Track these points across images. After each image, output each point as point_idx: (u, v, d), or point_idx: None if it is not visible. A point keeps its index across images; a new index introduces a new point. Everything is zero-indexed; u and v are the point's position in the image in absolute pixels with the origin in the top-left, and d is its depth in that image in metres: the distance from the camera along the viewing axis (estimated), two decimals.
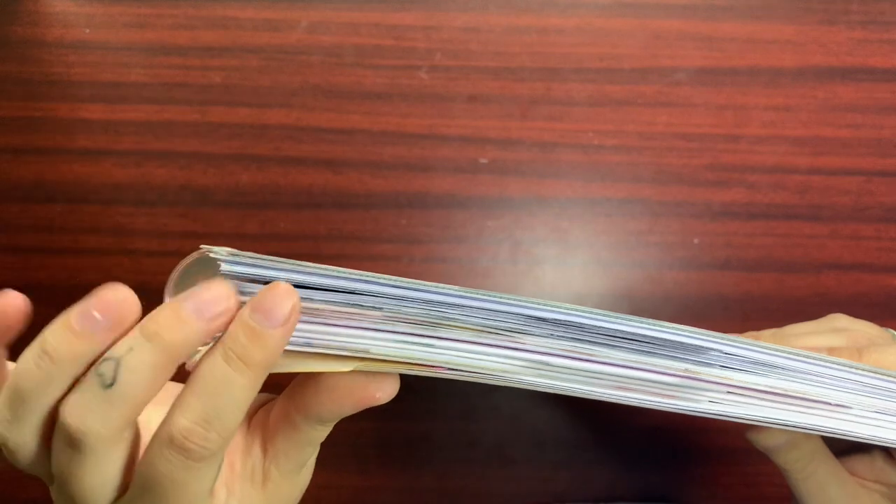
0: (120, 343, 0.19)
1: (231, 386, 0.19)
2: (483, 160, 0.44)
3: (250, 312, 0.19)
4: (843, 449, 0.29)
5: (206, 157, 0.43)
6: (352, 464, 0.44)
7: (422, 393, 0.43)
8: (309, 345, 0.20)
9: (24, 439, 0.20)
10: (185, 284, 0.21)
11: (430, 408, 0.43)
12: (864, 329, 0.30)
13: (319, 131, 0.44)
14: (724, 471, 0.43)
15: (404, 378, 0.23)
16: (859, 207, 0.44)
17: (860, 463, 0.29)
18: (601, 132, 0.44)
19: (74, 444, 0.19)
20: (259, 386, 0.20)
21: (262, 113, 0.44)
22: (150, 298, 0.47)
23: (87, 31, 0.44)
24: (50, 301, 0.42)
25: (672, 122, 0.44)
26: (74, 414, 0.19)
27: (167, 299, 0.22)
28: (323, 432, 0.24)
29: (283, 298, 0.19)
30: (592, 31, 0.44)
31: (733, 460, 0.43)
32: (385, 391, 0.22)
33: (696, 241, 0.43)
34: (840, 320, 0.31)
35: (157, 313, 0.20)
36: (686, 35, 0.44)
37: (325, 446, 0.29)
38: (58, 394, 0.19)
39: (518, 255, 0.43)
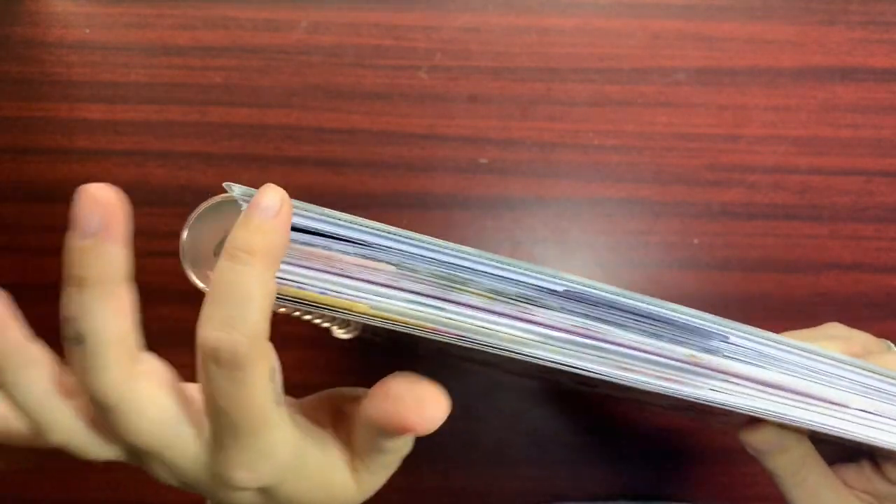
0: None
1: (241, 280, 0.19)
2: (483, 160, 0.44)
3: (244, 213, 0.20)
4: (833, 458, 0.29)
5: (206, 157, 0.43)
6: None
7: None
8: (325, 294, 0.20)
9: None
10: (202, 223, 0.22)
11: None
12: (859, 338, 0.30)
13: (319, 131, 0.44)
14: (724, 470, 0.43)
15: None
16: (859, 207, 0.44)
17: (849, 472, 0.29)
18: (601, 132, 0.44)
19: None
20: (270, 276, 0.19)
21: (262, 113, 0.44)
22: (151, 298, 0.47)
23: (88, 31, 0.44)
24: (50, 301, 0.42)
25: (672, 122, 0.44)
26: None
27: (185, 235, 0.22)
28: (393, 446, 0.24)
29: (271, 193, 0.20)
30: (592, 31, 0.44)
31: (733, 460, 0.43)
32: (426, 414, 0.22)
33: (696, 241, 0.43)
34: (837, 328, 0.31)
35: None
36: (686, 35, 0.44)
37: None
38: None
39: (518, 255, 0.43)
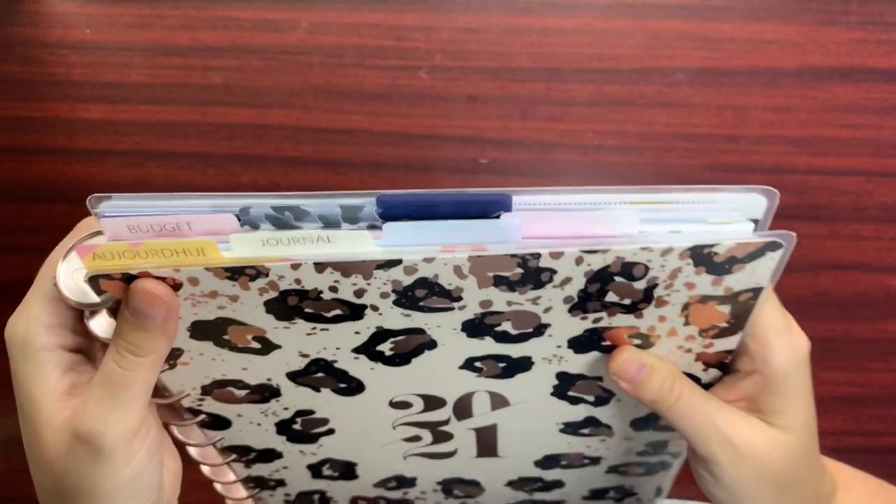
0: None
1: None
2: (483, 160, 0.44)
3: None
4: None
5: (206, 157, 0.43)
6: None
7: None
8: (181, 239, 0.23)
9: None
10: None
11: None
12: None
13: (320, 131, 0.44)
14: None
15: None
16: (858, 207, 0.44)
17: (717, 390, 0.28)
18: (601, 132, 0.44)
19: None
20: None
21: (262, 113, 0.44)
22: None
23: (88, 31, 0.44)
24: None
25: (672, 122, 0.44)
26: None
27: (60, 272, 0.24)
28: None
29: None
30: (592, 31, 0.44)
31: None
32: None
33: None
34: None
35: None
36: (685, 35, 0.44)
37: None
38: None
39: None
